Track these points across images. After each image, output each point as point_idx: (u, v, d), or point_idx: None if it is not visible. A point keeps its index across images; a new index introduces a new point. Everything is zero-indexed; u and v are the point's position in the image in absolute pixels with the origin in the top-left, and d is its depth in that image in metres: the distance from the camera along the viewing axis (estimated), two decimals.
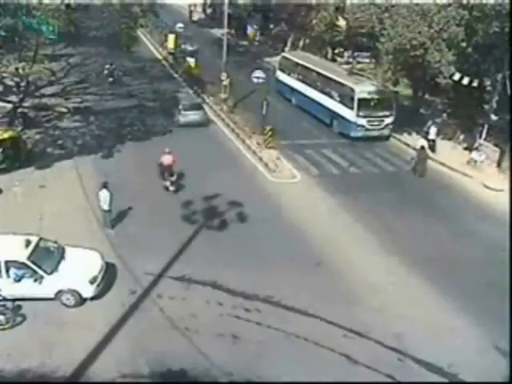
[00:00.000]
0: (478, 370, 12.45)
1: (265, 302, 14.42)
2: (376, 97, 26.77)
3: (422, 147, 24.19)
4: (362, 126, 26.75)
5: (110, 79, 34.44)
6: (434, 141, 26.22)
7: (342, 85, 27.53)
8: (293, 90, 32.48)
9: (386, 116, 27.17)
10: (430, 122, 27.58)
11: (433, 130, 26.28)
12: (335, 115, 28.01)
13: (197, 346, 12.60)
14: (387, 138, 27.68)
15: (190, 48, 40.93)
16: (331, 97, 28.33)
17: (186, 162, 22.70)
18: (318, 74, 29.93)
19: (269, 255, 16.43)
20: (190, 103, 28.53)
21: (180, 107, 27.71)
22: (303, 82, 31.38)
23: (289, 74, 33.29)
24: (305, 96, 30.90)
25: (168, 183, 20.25)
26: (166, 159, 20.27)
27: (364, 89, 26.69)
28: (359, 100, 26.33)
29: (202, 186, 20.17)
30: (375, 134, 27.19)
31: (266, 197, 20.62)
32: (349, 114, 26.82)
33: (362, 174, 23.73)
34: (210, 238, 17.29)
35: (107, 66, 35.04)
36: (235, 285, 14.96)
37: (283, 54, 36.68)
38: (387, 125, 27.33)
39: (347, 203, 20.44)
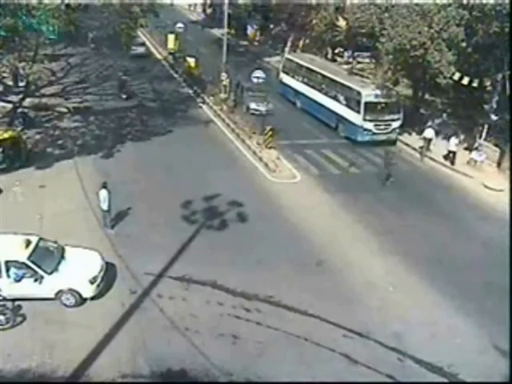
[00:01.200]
0: (478, 370, 12.46)
1: (265, 302, 14.42)
2: (383, 100, 26.27)
3: (388, 153, 23.38)
4: (369, 130, 26.12)
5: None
6: (454, 153, 24.85)
7: (349, 88, 26.95)
8: (297, 92, 31.88)
9: (393, 120, 26.55)
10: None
11: (453, 141, 24.93)
12: (341, 119, 27.42)
13: (197, 346, 12.61)
14: (394, 142, 27.05)
15: (262, 108, 28.23)
16: (337, 100, 27.73)
17: (186, 162, 22.78)
18: (324, 76, 29.34)
19: (269, 255, 16.43)
20: (138, 42, 41.44)
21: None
22: (308, 84, 30.74)
23: (293, 77, 32.61)
24: (310, 99, 30.28)
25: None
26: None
27: (371, 92, 26.13)
28: (366, 103, 25.72)
29: (202, 186, 20.17)
30: (382, 138, 26.51)
31: (265, 197, 20.62)
32: (355, 117, 26.21)
33: (362, 173, 23.72)
34: (210, 238, 17.28)
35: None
36: (235, 285, 14.96)
37: (287, 55, 35.88)
38: (394, 129, 26.73)
39: (347, 203, 20.44)
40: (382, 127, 26.45)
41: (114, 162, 22.72)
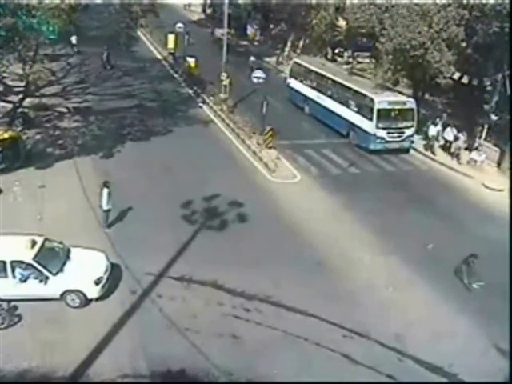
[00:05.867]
0: (478, 370, 12.45)
1: (265, 302, 14.43)
2: (397, 107, 25.35)
3: None
4: (382, 139, 25.08)
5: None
6: (450, 143, 23.01)
7: (361, 94, 25.93)
8: (306, 98, 30.80)
9: (407, 127, 25.56)
10: (437, 120, 27.26)
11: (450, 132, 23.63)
12: (352, 126, 26.36)
13: (197, 346, 12.61)
14: (407, 150, 26.13)
15: None
16: (348, 107, 26.66)
17: (186, 162, 22.79)
18: (334, 82, 28.28)
19: (269, 255, 16.43)
20: None
21: None
22: (317, 90, 29.68)
23: (301, 81, 31.55)
24: (319, 105, 29.24)
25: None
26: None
27: (384, 99, 25.10)
28: (379, 111, 24.70)
29: (202, 186, 20.17)
30: (395, 146, 25.56)
31: (265, 197, 20.62)
32: (367, 125, 25.21)
33: (362, 174, 23.72)
34: (210, 238, 17.28)
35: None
36: (235, 285, 14.96)
37: (295, 59, 34.56)
38: (408, 137, 25.69)
39: (347, 203, 20.44)
40: (396, 135, 25.38)
41: (114, 162, 22.70)
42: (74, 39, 38.83)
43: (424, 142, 26.61)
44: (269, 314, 13.97)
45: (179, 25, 42.41)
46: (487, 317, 14.04)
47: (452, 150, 25.63)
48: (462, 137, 25.53)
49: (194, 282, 15.10)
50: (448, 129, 26.13)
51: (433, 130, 26.17)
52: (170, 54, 42.46)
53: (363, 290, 15.26)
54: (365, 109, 25.59)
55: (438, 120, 26.74)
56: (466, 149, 26.49)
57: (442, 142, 26.24)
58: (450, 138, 25.83)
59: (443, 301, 14.91)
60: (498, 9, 22.32)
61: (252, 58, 38.76)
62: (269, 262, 16.02)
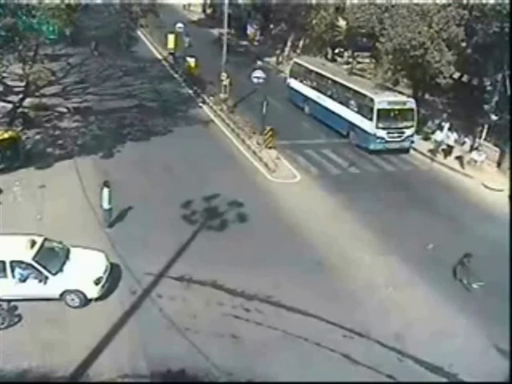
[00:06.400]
0: (478, 370, 12.45)
1: (265, 302, 14.43)
2: (396, 107, 25.39)
3: None
4: (382, 138, 25.11)
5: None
6: (451, 147, 23.36)
7: (361, 94, 25.95)
8: (306, 98, 30.83)
9: (407, 127, 25.60)
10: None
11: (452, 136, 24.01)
12: (353, 126, 26.39)
13: (197, 346, 12.61)
14: (407, 150, 26.16)
15: None
16: (348, 107, 26.67)
17: (186, 162, 22.79)
18: (334, 82, 28.30)
19: (269, 255, 16.43)
20: None
21: None
22: (317, 90, 29.69)
23: (301, 82, 31.43)
24: (319, 105, 29.26)
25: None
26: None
27: (384, 99, 25.13)
28: (379, 111, 24.75)
29: (202, 186, 20.18)
30: (395, 146, 25.59)
31: (265, 197, 20.62)
32: (367, 125, 25.24)
33: (362, 173, 23.73)
34: (210, 238, 17.28)
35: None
36: (235, 285, 14.96)
37: (295, 59, 34.53)
38: (408, 137, 25.71)
39: (347, 203, 20.44)
40: (396, 135, 25.39)
41: (114, 161, 22.70)
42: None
43: (430, 146, 26.44)
44: (269, 314, 13.98)
45: (179, 25, 42.41)
46: (487, 317, 14.04)
47: (458, 153, 25.54)
48: (468, 141, 25.50)
49: (194, 282, 15.11)
50: (449, 133, 26.10)
51: (439, 135, 26.12)
52: (170, 54, 42.45)
53: (363, 290, 15.27)
54: (365, 109, 25.59)
55: (443, 124, 26.74)
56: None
57: (444, 145, 26.22)
58: (451, 142, 25.78)
59: (443, 301, 14.92)
60: (497, 9, 22.32)
61: (259, 62, 40.12)
62: (269, 262, 16.02)
